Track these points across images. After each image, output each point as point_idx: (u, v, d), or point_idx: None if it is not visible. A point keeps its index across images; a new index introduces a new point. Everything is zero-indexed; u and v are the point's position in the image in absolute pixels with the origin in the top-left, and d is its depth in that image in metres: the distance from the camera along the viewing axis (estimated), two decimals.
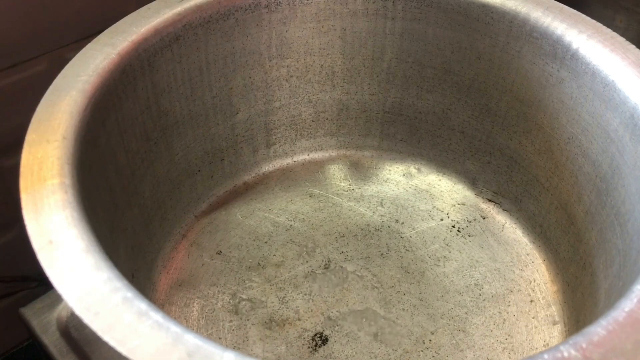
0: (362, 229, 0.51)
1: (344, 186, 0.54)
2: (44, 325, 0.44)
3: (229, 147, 0.51)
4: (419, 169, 0.55)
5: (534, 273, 0.48)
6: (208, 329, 0.44)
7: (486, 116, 0.50)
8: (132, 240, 0.43)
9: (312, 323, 0.45)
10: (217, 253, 0.49)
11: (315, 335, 0.44)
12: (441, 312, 0.45)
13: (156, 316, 0.26)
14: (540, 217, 0.49)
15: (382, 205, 0.52)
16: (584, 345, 0.26)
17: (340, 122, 0.54)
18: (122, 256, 0.40)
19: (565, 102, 0.43)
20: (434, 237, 0.50)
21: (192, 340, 0.25)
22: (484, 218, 0.51)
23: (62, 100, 0.35)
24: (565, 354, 0.25)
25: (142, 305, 0.27)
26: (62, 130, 0.34)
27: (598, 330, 0.26)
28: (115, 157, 0.40)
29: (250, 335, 0.44)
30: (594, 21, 0.42)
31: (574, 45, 0.42)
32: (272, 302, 0.46)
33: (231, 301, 0.46)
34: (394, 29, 0.49)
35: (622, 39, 0.41)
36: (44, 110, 0.35)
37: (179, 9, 0.43)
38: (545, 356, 0.25)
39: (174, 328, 0.26)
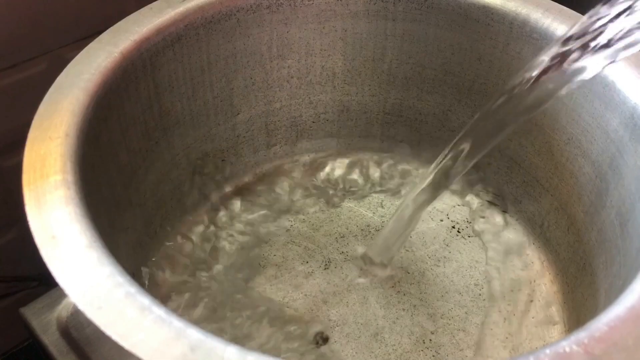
0: (362, 230, 0.51)
1: (344, 187, 0.54)
2: (44, 325, 0.44)
3: (229, 147, 0.51)
4: (419, 170, 0.55)
5: (533, 273, 0.48)
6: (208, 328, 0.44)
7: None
8: (132, 239, 0.43)
9: (312, 323, 0.45)
10: (217, 253, 0.49)
11: (316, 334, 0.44)
12: (441, 312, 0.45)
13: (159, 311, 0.26)
14: (540, 217, 0.49)
15: (382, 206, 0.53)
16: (585, 341, 0.26)
17: (341, 123, 0.54)
18: (122, 255, 0.40)
19: (565, 102, 0.43)
20: (434, 237, 0.50)
21: (194, 334, 0.25)
22: (483, 219, 0.51)
23: (65, 98, 0.35)
24: (567, 350, 0.25)
25: (144, 300, 0.27)
26: (65, 127, 0.34)
27: (600, 326, 0.26)
28: (117, 156, 0.40)
29: (250, 335, 0.44)
30: None
31: None
32: (273, 302, 0.46)
33: (231, 301, 0.46)
34: (395, 30, 0.49)
35: None
36: (46, 108, 0.35)
37: (181, 9, 0.43)
38: (547, 351, 0.25)
39: (177, 323, 0.26)
